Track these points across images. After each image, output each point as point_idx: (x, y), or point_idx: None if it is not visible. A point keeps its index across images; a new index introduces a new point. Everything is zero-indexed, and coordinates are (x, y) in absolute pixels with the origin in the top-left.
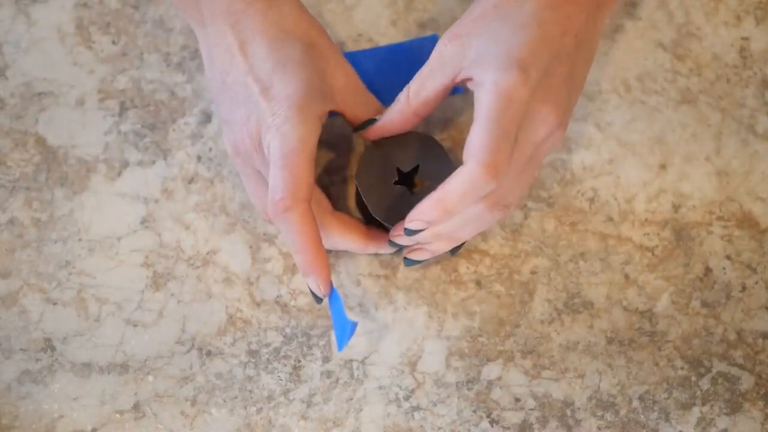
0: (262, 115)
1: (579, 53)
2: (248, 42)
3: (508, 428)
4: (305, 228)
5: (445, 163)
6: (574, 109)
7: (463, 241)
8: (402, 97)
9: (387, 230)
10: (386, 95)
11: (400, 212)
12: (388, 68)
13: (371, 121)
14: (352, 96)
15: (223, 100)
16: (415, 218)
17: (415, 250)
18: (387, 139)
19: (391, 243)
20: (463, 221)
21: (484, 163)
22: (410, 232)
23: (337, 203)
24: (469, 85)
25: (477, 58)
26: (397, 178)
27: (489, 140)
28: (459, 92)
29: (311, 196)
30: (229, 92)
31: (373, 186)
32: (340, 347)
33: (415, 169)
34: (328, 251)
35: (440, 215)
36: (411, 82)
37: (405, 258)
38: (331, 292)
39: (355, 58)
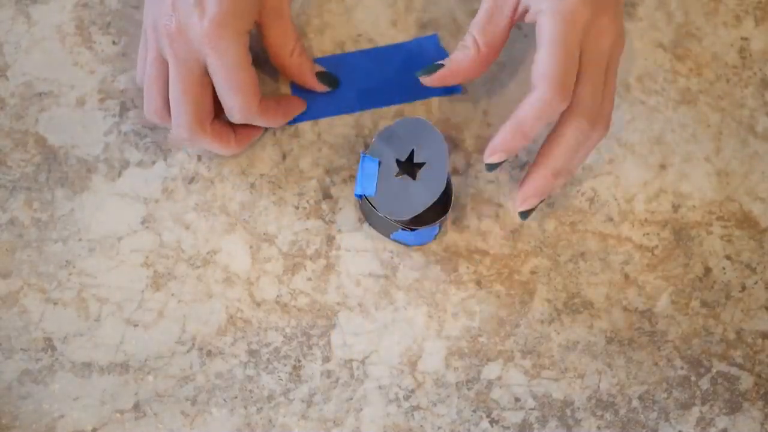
0: (191, 24)
1: None
2: None
3: (508, 428)
4: (273, 119)
5: (434, 135)
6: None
7: (575, 171)
8: (468, 43)
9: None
10: (386, 95)
11: (407, 202)
12: (388, 68)
13: (438, 66)
14: (273, 15)
15: None
16: (497, 150)
17: (530, 198)
18: (381, 137)
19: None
20: (572, 150)
21: (555, 85)
22: (491, 167)
23: (338, 203)
24: (527, 18)
25: None
26: (398, 170)
27: (556, 63)
28: (458, 92)
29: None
30: None
31: (377, 187)
32: (360, 191)
33: (412, 154)
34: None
35: (519, 140)
36: (470, 28)
37: (520, 212)
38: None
39: (354, 58)
